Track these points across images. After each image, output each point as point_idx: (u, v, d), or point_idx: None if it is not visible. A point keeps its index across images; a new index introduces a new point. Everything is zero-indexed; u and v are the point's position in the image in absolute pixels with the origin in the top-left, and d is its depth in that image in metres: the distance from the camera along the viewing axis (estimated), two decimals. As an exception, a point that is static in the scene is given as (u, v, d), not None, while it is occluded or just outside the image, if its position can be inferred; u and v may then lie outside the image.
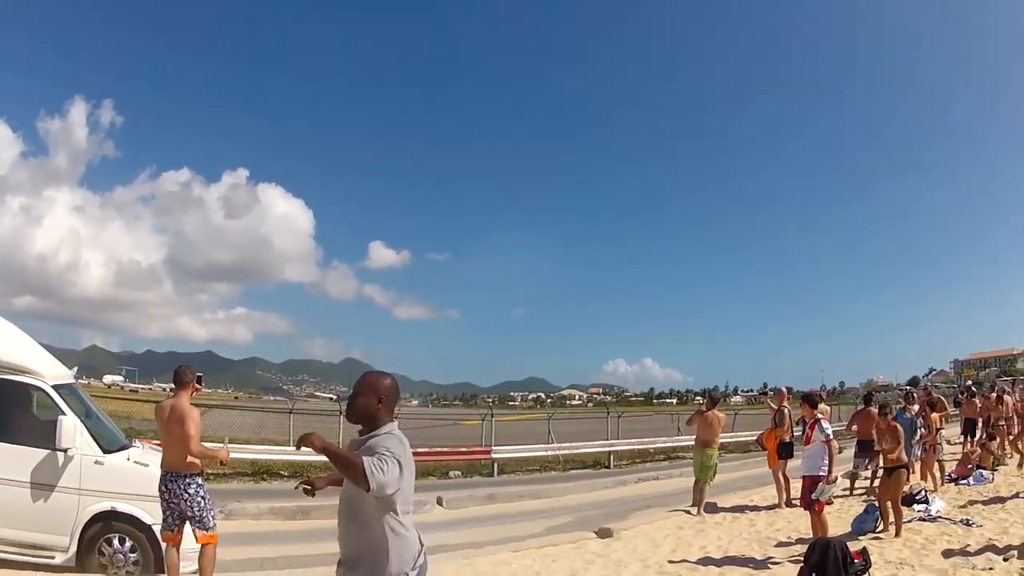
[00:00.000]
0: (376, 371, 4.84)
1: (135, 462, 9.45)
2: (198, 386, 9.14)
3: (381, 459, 4.15)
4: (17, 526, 9.14)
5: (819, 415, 12.13)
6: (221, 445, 10.58)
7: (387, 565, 4.38)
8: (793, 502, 15.64)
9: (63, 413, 9.35)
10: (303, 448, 4.34)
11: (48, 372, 9.83)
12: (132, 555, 9.26)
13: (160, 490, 8.50)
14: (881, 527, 12.58)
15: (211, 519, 8.60)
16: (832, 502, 12.84)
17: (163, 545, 8.75)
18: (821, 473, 11.25)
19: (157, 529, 8.87)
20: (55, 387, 9.67)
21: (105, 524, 9.24)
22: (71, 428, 9.24)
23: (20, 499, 9.12)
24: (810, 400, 12.50)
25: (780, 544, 12.19)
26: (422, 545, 4.62)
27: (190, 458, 8.46)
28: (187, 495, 8.41)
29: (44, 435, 9.35)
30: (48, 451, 9.23)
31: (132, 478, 9.21)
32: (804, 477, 11.67)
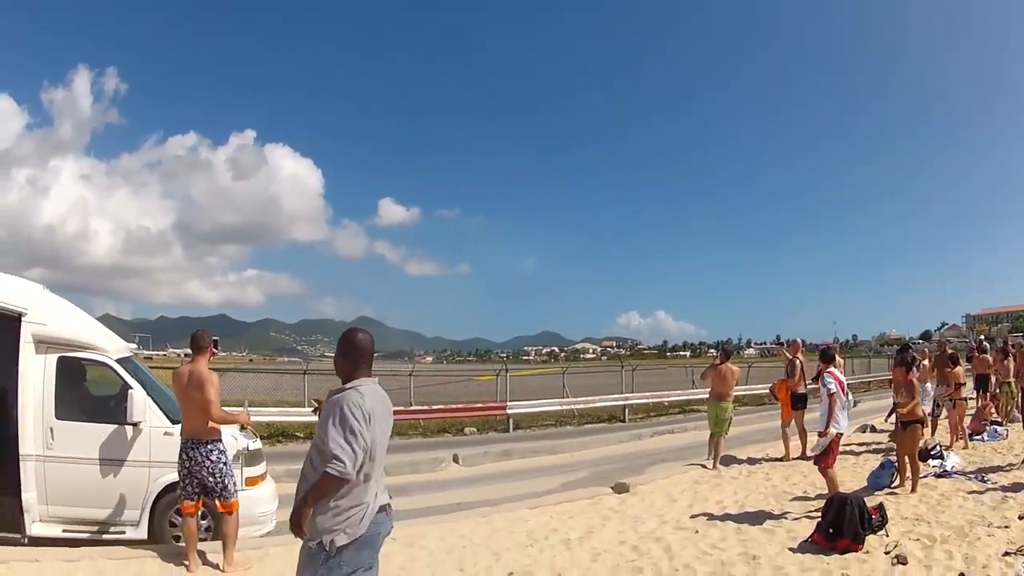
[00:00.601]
0: (352, 328, 4.96)
1: None
2: (215, 350, 9.11)
3: (334, 456, 4.37)
4: (90, 504, 9.28)
5: (830, 367, 12.07)
6: (241, 409, 10.63)
7: (317, 513, 4.57)
8: (809, 454, 15.69)
9: (131, 387, 9.44)
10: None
11: (111, 347, 9.91)
12: (203, 522, 9.29)
13: (180, 458, 8.49)
14: (897, 482, 12.61)
15: (232, 486, 8.62)
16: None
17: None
18: (832, 428, 11.26)
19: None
20: (118, 361, 9.74)
21: (175, 494, 9.20)
22: (142, 401, 9.35)
23: (92, 477, 9.24)
24: (825, 356, 12.45)
25: (797, 498, 12.20)
26: (384, 510, 5.00)
27: (211, 424, 8.45)
28: (209, 462, 8.41)
29: (112, 410, 9.46)
30: (118, 425, 9.34)
31: None
32: (818, 433, 11.67)
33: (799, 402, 16.55)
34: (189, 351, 8.85)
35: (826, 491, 11.39)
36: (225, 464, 8.55)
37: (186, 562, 8.48)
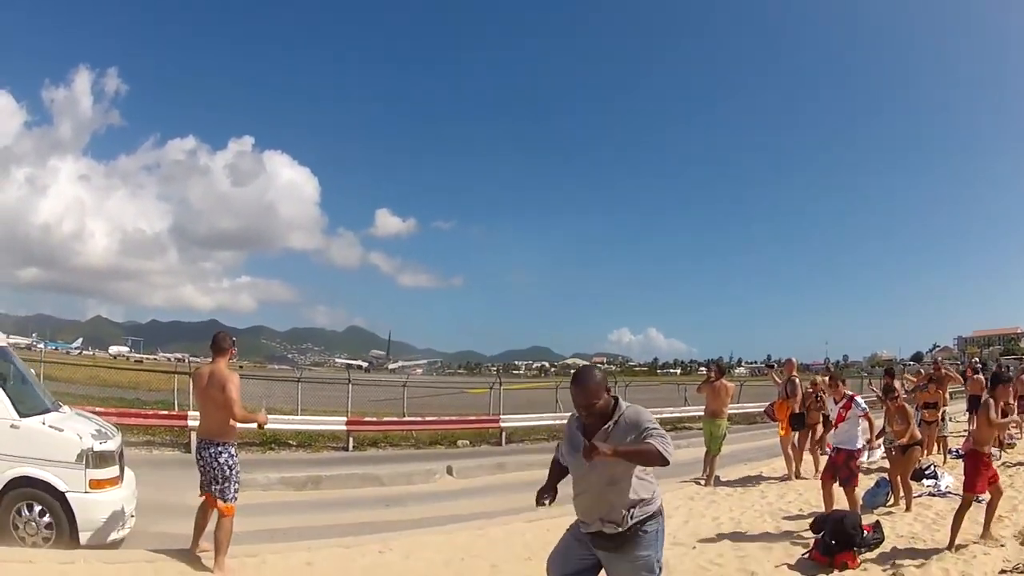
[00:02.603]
0: (590, 368, 5.58)
1: (50, 426, 9.21)
2: (234, 351, 9.25)
3: (661, 436, 4.95)
4: None
5: (849, 391, 12.37)
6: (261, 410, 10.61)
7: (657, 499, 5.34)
8: (804, 475, 15.79)
9: None
10: (596, 455, 4.86)
11: None
12: (45, 522, 9.02)
13: (196, 456, 8.67)
14: (892, 501, 12.67)
15: (232, 492, 8.64)
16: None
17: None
18: (859, 446, 11.80)
19: (71, 496, 8.85)
20: None
21: (20, 490, 8.98)
22: None
23: None
24: (835, 379, 12.96)
25: (791, 517, 12.25)
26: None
27: (232, 422, 8.56)
28: (217, 463, 8.52)
29: None
30: None
31: (45, 442, 9.01)
32: (840, 451, 11.78)
33: (797, 422, 16.54)
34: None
35: (821, 509, 11.44)
36: (231, 468, 8.59)
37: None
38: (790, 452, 16.54)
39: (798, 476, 16.00)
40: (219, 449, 8.54)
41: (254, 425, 9.44)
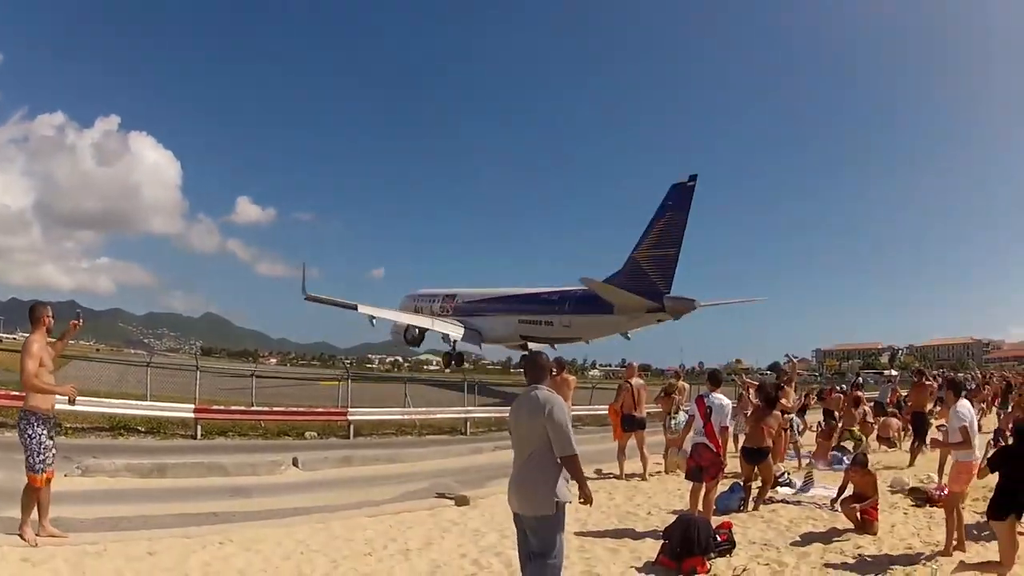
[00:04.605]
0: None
1: None
2: (78, 323, 9.53)
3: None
4: None
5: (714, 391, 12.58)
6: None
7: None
8: (649, 476, 16.09)
9: None
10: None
11: None
12: None
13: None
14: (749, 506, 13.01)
15: (36, 462, 8.68)
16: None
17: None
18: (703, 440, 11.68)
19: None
20: None
21: None
22: None
23: None
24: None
25: (640, 519, 12.28)
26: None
27: (28, 394, 8.71)
28: (19, 430, 8.72)
29: None
30: None
31: None
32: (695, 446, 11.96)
33: (628, 424, 16.83)
34: None
35: (668, 509, 11.63)
36: (30, 437, 8.65)
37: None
38: (642, 453, 16.83)
39: (644, 478, 16.26)
40: (21, 415, 8.78)
41: (66, 398, 9.36)
